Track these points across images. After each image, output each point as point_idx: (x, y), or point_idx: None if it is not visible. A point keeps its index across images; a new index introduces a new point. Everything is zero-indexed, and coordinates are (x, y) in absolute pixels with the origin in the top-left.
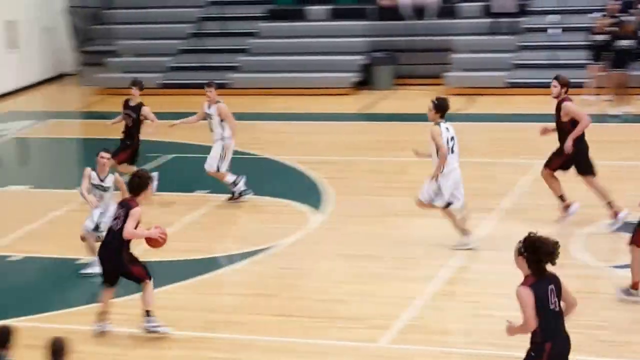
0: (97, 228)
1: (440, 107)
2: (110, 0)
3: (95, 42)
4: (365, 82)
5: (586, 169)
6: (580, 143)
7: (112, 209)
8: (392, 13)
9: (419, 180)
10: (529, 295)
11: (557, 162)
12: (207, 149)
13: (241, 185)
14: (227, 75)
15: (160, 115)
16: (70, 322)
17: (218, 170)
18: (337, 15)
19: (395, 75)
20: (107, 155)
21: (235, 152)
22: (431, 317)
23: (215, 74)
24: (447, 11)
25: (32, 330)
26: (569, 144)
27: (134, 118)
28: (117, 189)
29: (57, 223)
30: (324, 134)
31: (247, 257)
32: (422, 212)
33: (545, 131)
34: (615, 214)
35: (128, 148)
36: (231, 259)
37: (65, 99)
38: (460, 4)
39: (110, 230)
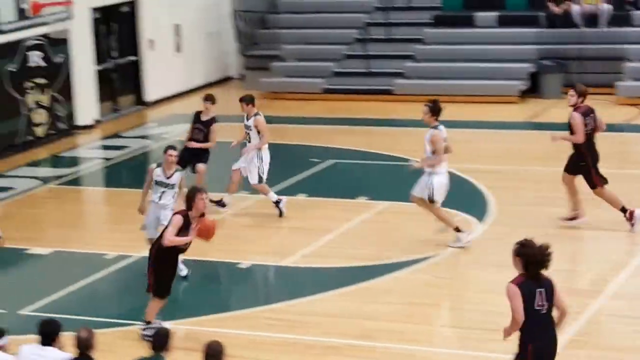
0: None
1: (436, 110)
2: (275, 5)
3: (259, 46)
4: (532, 90)
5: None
6: (586, 155)
7: (168, 212)
8: (563, 20)
9: (585, 192)
10: (515, 292)
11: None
12: (368, 155)
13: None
14: (391, 82)
15: (324, 121)
16: (226, 326)
17: (261, 181)
18: (505, 22)
19: (564, 84)
20: (175, 152)
21: (396, 159)
22: (596, 332)
23: (379, 79)
24: (620, 19)
25: (189, 333)
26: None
27: (204, 133)
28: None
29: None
30: (489, 142)
31: (408, 266)
32: (592, 225)
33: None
34: (631, 215)
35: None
36: (392, 267)
37: (229, 102)
38: (634, 11)
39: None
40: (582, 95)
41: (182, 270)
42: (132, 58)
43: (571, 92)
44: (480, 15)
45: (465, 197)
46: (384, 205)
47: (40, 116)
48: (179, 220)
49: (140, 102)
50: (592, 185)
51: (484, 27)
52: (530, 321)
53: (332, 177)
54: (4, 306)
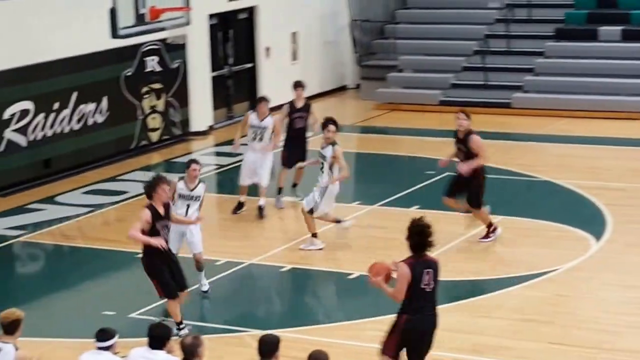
0: None
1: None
2: (393, 15)
3: (376, 56)
4: None
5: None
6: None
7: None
8: None
9: None
10: (407, 271)
11: None
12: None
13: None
14: (510, 95)
15: (439, 133)
16: (332, 336)
17: (312, 211)
18: (629, 36)
19: None
20: (198, 166)
21: (513, 174)
22: None
23: (497, 92)
24: None
25: (295, 342)
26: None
27: (305, 119)
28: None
29: (332, 236)
30: (610, 158)
31: (521, 282)
32: None
33: None
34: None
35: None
36: (504, 283)
37: (344, 112)
38: None
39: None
40: None
41: (204, 286)
42: (248, 65)
43: None
44: (604, 30)
45: (582, 213)
46: (498, 219)
47: (155, 121)
48: (146, 214)
49: (254, 109)
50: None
51: (608, 41)
52: (412, 296)
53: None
54: (114, 308)
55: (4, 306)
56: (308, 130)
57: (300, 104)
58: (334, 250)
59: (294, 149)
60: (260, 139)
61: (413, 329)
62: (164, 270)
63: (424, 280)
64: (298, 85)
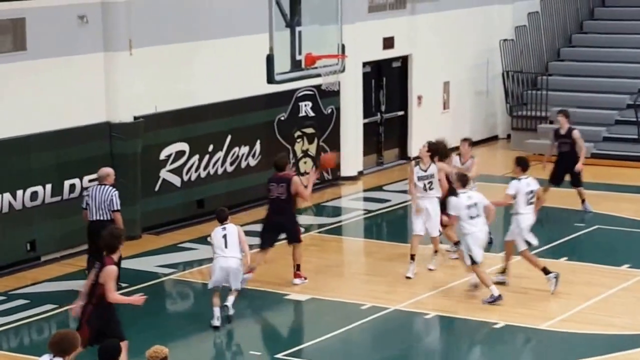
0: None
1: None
2: (546, 67)
3: (528, 107)
4: None
5: None
6: None
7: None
8: None
9: None
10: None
11: None
12: (636, 223)
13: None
14: None
15: (591, 185)
16: None
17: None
18: None
19: None
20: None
21: None
22: None
23: None
24: None
25: None
26: None
27: (569, 144)
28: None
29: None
30: None
31: None
32: None
33: None
34: None
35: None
36: None
37: (494, 162)
38: None
39: None
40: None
41: (215, 319)
42: (400, 113)
43: None
44: None
45: None
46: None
47: (307, 165)
48: (114, 271)
49: (404, 156)
50: None
51: None
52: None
53: (596, 242)
54: (260, 349)
55: (151, 342)
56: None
57: (562, 131)
58: (478, 299)
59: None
60: (430, 189)
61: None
62: (115, 316)
63: None
64: (560, 112)
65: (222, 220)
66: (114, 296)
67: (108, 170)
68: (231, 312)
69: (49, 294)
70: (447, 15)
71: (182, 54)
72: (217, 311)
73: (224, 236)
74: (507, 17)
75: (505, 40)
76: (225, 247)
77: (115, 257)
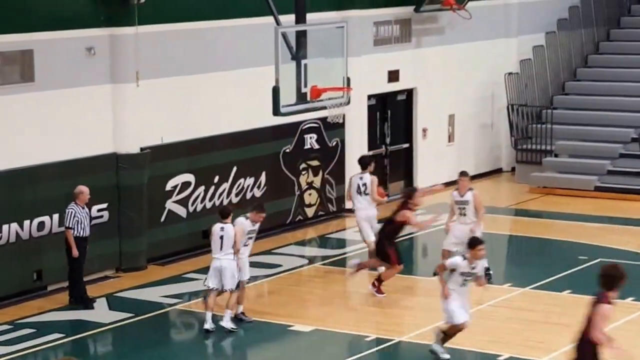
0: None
1: None
2: (551, 101)
3: (532, 140)
4: None
5: None
6: None
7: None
8: None
9: None
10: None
11: None
12: (635, 256)
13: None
14: None
15: (594, 218)
16: None
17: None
18: None
19: None
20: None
21: None
22: None
23: None
24: None
25: None
26: None
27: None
28: None
29: (483, 316)
30: None
31: None
32: None
33: None
34: None
35: None
36: None
37: (499, 194)
38: None
39: None
40: None
41: (208, 324)
42: (405, 145)
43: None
44: None
45: None
46: None
47: (312, 197)
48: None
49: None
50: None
51: None
52: None
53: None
54: None
55: None
56: None
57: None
58: (482, 331)
59: None
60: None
61: None
62: None
63: None
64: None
65: (224, 217)
66: None
67: (81, 188)
68: (229, 327)
69: (55, 323)
70: (452, 49)
71: (189, 85)
72: (209, 315)
73: (221, 237)
74: (512, 50)
75: (510, 73)
76: (221, 249)
77: None
